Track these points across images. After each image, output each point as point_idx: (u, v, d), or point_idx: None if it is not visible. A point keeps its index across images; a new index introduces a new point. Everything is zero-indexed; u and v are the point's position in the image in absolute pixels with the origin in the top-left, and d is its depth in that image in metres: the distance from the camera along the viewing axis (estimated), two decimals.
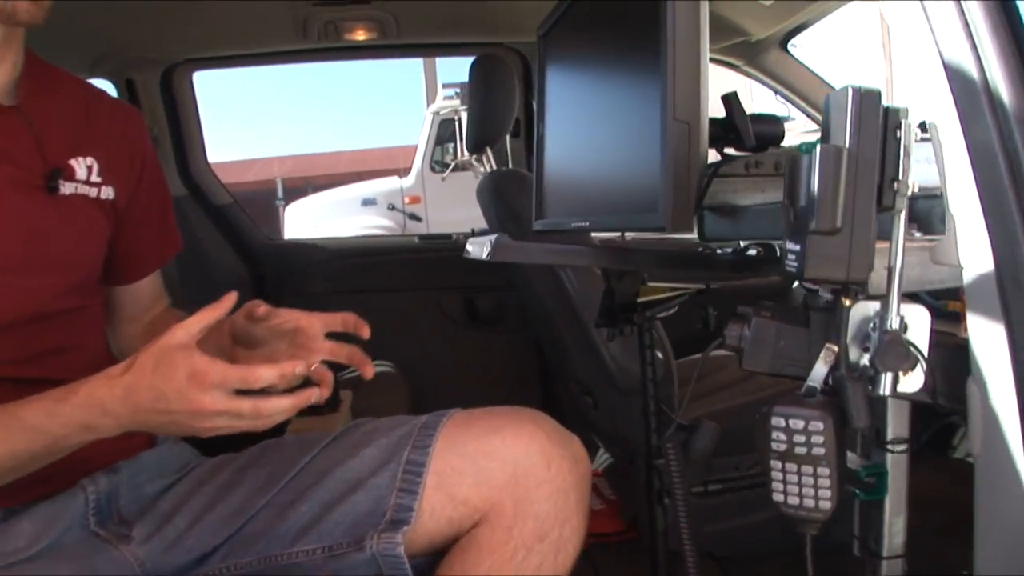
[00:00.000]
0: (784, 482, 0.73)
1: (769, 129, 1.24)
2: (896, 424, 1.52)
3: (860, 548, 1.62)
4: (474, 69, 2.17)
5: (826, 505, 0.73)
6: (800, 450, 0.71)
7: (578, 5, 1.23)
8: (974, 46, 0.65)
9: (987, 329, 0.67)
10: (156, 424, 0.87)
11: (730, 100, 1.11)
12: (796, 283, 0.82)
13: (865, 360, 0.72)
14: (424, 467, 1.03)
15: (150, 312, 1.28)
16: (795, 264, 0.68)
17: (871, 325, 0.72)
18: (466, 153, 7.50)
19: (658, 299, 1.36)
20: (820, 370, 0.74)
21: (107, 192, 1.11)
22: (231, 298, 0.90)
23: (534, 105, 2.44)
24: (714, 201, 1.11)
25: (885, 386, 0.71)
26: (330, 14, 2.20)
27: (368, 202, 8.33)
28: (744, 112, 1.12)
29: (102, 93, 1.21)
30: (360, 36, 2.33)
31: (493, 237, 1.08)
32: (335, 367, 1.97)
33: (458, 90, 7.96)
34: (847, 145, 0.65)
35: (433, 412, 1.12)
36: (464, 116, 7.40)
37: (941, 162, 0.69)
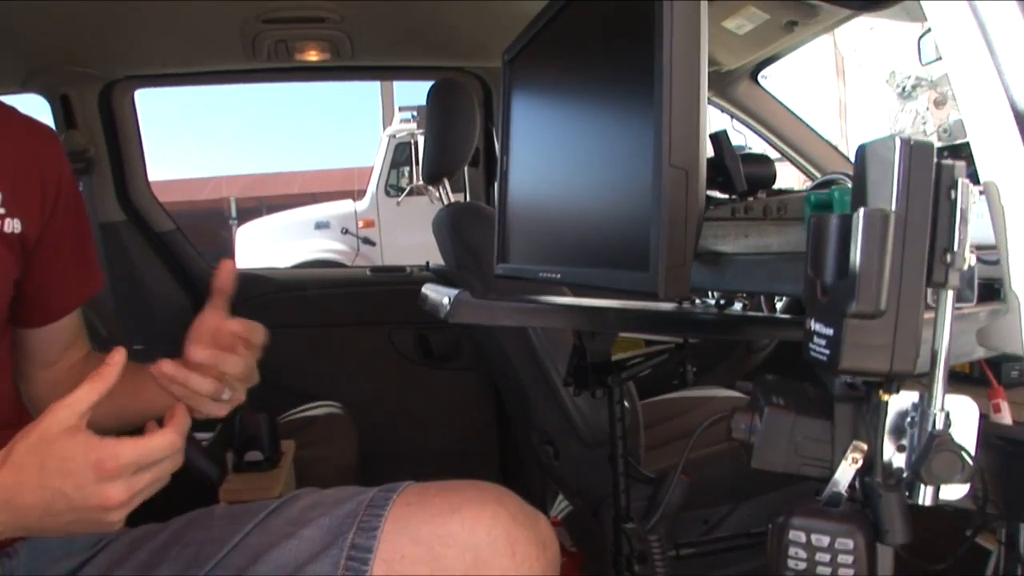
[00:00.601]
0: None
1: (760, 170, 1.13)
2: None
3: None
4: (432, 94, 2.07)
5: None
6: (823, 570, 0.59)
7: (552, 29, 1.11)
8: None
9: None
10: (49, 528, 0.74)
11: (719, 139, 1.00)
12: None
13: (899, 461, 0.60)
14: (371, 553, 0.90)
15: (69, 355, 1.13)
16: (825, 351, 0.56)
17: (907, 419, 0.60)
18: (422, 178, 7.39)
19: (633, 357, 1.24)
20: (846, 473, 0.61)
21: (12, 225, 0.97)
22: (118, 361, 0.76)
23: (495, 134, 2.34)
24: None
25: (926, 496, 0.59)
26: (281, 33, 2.08)
27: (321, 225, 8.19)
28: (735, 153, 1.01)
29: (11, 111, 1.05)
30: (312, 56, 2.21)
31: (452, 293, 0.95)
32: (274, 411, 1.83)
33: (415, 113, 7.88)
34: (893, 208, 0.53)
35: (382, 486, 0.99)
36: (421, 140, 7.33)
37: (1002, 224, 0.57)
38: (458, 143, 2.05)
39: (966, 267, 0.55)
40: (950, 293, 0.57)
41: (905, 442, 0.60)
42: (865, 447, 0.61)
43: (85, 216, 1.14)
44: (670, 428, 2.18)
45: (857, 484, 0.62)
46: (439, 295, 1.04)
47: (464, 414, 2.65)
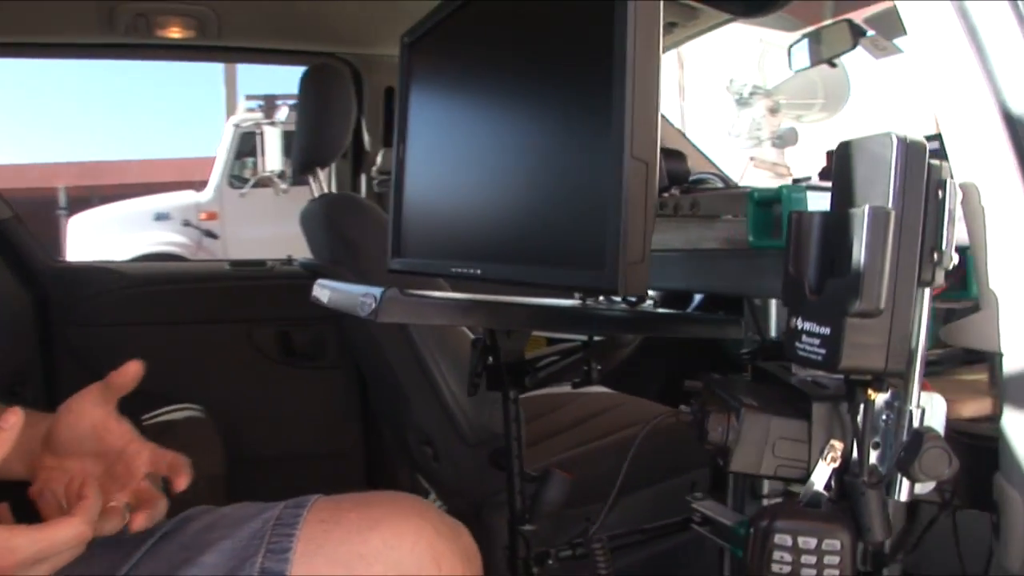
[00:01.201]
0: None
1: (676, 166, 1.13)
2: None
3: None
4: (306, 80, 1.97)
5: None
6: (808, 572, 0.58)
7: (469, 14, 1.06)
8: None
9: None
10: None
11: None
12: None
13: (874, 458, 0.60)
14: None
15: None
16: (820, 351, 0.55)
17: (883, 418, 0.60)
18: (267, 169, 7.11)
19: (544, 356, 1.22)
20: (824, 472, 0.61)
21: None
22: (14, 424, 0.65)
23: (363, 122, 2.25)
24: None
25: (902, 492, 0.59)
26: (142, 5, 1.90)
27: (161, 216, 7.72)
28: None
29: None
30: (175, 33, 2.04)
31: (375, 292, 0.87)
32: (137, 411, 1.67)
33: (262, 102, 7.56)
34: (890, 206, 0.53)
35: (287, 501, 0.90)
36: (268, 130, 7.06)
37: (981, 225, 0.58)
38: (334, 132, 1.96)
39: (951, 266, 0.55)
40: (927, 292, 0.57)
41: (878, 439, 0.60)
42: (841, 446, 0.60)
43: None
44: (542, 425, 2.18)
45: (832, 485, 0.61)
46: (350, 293, 0.97)
47: (329, 415, 2.55)
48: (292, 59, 2.37)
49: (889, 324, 0.54)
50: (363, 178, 2.56)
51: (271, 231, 7.52)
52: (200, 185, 8.05)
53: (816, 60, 1.92)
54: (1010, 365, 0.59)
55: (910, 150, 0.53)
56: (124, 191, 9.66)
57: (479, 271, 0.97)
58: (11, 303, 2.22)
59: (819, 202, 0.74)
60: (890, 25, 1.84)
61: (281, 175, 6.98)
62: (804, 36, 1.94)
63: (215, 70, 8.86)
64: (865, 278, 0.52)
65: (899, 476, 0.58)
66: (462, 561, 0.89)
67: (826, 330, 0.54)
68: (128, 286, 2.42)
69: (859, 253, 0.52)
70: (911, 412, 0.59)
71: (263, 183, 7.34)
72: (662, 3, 0.71)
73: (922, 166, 0.54)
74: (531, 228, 0.87)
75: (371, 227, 1.84)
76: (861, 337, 0.53)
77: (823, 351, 0.55)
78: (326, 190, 2.20)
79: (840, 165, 0.58)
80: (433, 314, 0.94)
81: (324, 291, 1.09)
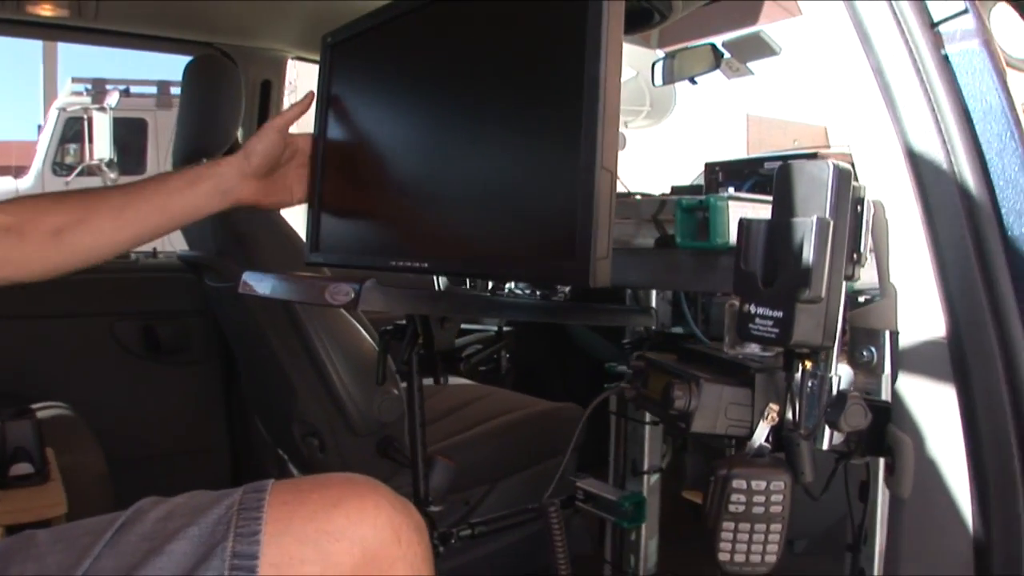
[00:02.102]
0: (734, 541, 0.74)
1: None
2: (652, 454, 1.65)
3: (615, 572, 1.72)
4: (193, 69, 1.94)
5: (772, 559, 0.75)
6: (758, 510, 0.73)
7: (409, 20, 1.13)
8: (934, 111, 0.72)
9: (923, 387, 0.74)
10: None
11: None
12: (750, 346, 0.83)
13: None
14: (256, 560, 0.84)
15: None
16: (774, 330, 0.69)
17: (808, 384, 0.76)
18: (96, 156, 6.70)
19: (468, 344, 1.31)
20: (763, 430, 0.75)
21: None
22: None
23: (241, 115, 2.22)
24: None
25: (823, 442, 0.75)
26: None
27: None
28: None
29: None
30: (46, 11, 1.95)
31: (362, 284, 0.92)
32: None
33: (89, 86, 7.08)
34: (828, 217, 0.68)
35: (245, 486, 0.92)
36: (96, 115, 6.65)
37: (885, 234, 0.75)
38: (221, 123, 1.95)
39: (865, 264, 0.71)
40: (844, 284, 0.73)
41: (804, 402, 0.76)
42: (777, 407, 0.75)
43: None
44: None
45: (769, 439, 0.76)
46: (313, 283, 1.01)
47: (194, 410, 2.51)
48: (169, 47, 2.32)
49: (825, 309, 0.69)
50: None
51: None
52: (15, 171, 7.46)
53: (677, 77, 2.13)
54: (904, 340, 0.76)
55: (841, 174, 0.69)
56: None
57: (426, 265, 1.05)
58: None
59: (737, 208, 0.89)
60: (743, 49, 2.08)
61: (110, 164, 6.59)
62: (667, 55, 2.14)
63: (33, 47, 8.19)
64: (813, 272, 0.66)
65: (824, 429, 0.74)
66: (417, 534, 0.94)
67: (779, 314, 0.69)
68: None
69: (808, 253, 0.66)
70: (830, 378, 0.74)
71: (90, 171, 6.91)
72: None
73: (849, 186, 0.70)
74: (487, 227, 0.96)
75: (263, 220, 1.85)
76: (806, 319, 0.68)
77: (777, 330, 0.69)
78: None
79: (781, 183, 0.73)
80: (406, 303, 1.00)
81: (264, 283, 1.12)
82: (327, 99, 1.32)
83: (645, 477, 1.62)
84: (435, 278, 1.37)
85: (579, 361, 2.58)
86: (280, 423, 2.08)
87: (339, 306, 0.94)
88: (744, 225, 0.73)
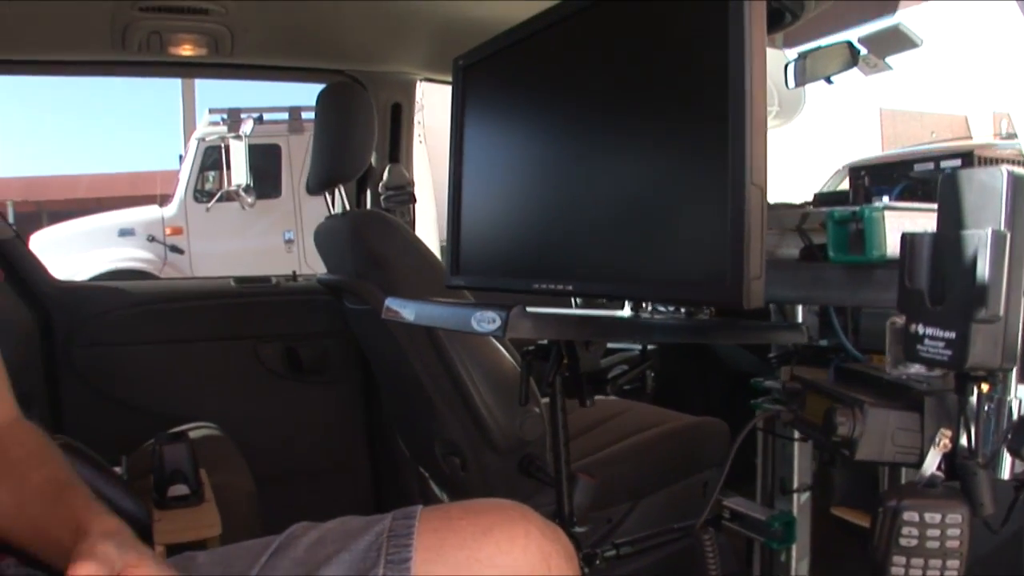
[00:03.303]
0: None
1: None
2: (801, 472, 1.58)
3: None
4: (325, 97, 2.01)
5: None
6: (932, 544, 0.68)
7: (542, 37, 1.13)
8: None
9: None
10: None
11: None
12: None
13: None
14: None
15: None
16: (946, 352, 0.65)
17: (984, 408, 0.70)
18: (234, 183, 7.07)
19: (614, 365, 1.29)
20: (935, 457, 0.71)
21: None
22: None
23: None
24: None
25: (1004, 471, 0.69)
26: (157, 23, 1.92)
27: (126, 232, 7.56)
28: None
29: None
30: (187, 51, 2.06)
31: (509, 311, 0.90)
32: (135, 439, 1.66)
33: (225, 116, 7.49)
34: (1004, 229, 0.63)
35: (393, 513, 0.95)
36: (233, 144, 7.01)
37: None
38: (356, 148, 2.00)
39: None
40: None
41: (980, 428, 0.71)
42: (950, 433, 0.70)
43: None
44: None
45: (941, 467, 0.71)
46: (458, 311, 1.01)
47: (335, 428, 2.58)
48: (301, 76, 2.41)
49: (1004, 328, 0.64)
50: (367, 194, 2.60)
51: (237, 245, 7.49)
52: (159, 199, 8.00)
53: (811, 78, 2.04)
54: None
55: (1017, 182, 0.64)
56: (73, 206, 9.44)
57: (570, 287, 1.04)
58: (15, 325, 2.20)
59: (894, 219, 0.84)
60: (882, 44, 1.97)
61: (247, 189, 6.95)
62: (799, 55, 2.06)
63: (173, 82, 8.73)
64: (989, 290, 0.62)
65: (1004, 456, 0.69)
66: (566, 560, 0.94)
67: (951, 334, 0.64)
68: (132, 305, 2.42)
69: (983, 268, 0.62)
70: (1009, 401, 0.69)
71: (228, 197, 7.29)
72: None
73: None
74: (632, 247, 0.94)
75: (401, 243, 1.89)
76: (983, 340, 0.63)
77: (949, 352, 0.65)
78: (336, 208, 2.25)
79: (948, 193, 0.68)
80: (554, 329, 0.99)
81: (409, 309, 1.13)
82: (461, 122, 1.33)
83: (795, 496, 1.55)
84: (572, 298, 1.36)
85: (722, 374, 2.52)
86: (421, 441, 2.11)
87: (487, 334, 0.93)
88: (907, 239, 0.69)
